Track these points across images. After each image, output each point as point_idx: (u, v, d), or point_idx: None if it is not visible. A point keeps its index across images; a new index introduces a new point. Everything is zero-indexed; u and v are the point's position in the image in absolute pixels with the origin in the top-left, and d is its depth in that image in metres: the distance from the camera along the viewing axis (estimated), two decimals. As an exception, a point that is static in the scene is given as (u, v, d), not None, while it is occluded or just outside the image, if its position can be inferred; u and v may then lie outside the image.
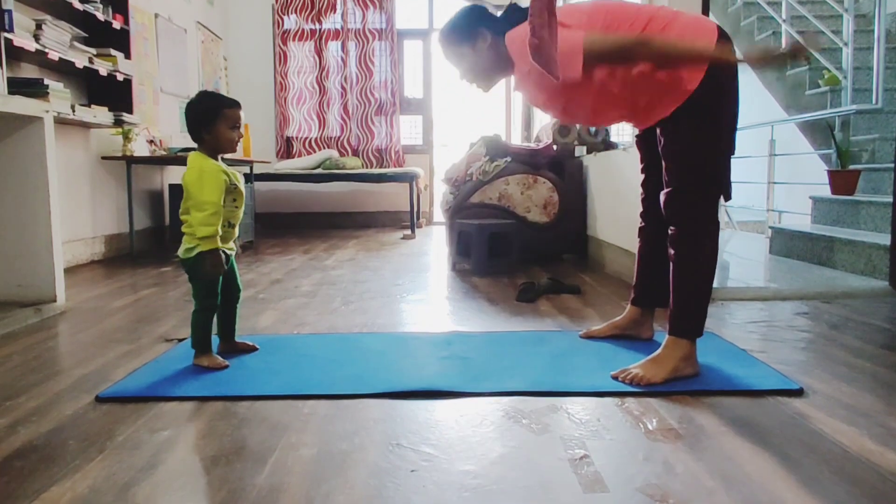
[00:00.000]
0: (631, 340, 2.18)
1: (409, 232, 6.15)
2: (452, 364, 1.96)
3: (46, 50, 3.58)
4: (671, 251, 1.85)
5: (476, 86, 2.04)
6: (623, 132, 6.01)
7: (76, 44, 3.97)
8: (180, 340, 2.26)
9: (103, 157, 4.52)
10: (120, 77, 4.36)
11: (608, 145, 4.53)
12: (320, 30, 7.15)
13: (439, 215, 6.99)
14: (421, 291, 3.24)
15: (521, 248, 3.99)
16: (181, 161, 4.72)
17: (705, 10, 2.89)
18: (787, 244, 3.96)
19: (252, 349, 2.11)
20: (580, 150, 4.52)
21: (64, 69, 4.00)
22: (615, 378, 1.79)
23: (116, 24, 4.38)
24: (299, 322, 2.58)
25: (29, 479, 1.25)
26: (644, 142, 2.06)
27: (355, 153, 7.20)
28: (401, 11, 7.23)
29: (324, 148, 7.15)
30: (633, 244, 2.36)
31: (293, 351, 2.12)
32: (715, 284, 1.88)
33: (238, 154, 2.06)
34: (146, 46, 5.10)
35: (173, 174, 5.61)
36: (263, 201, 6.99)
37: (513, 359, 2.00)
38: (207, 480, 1.25)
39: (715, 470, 1.27)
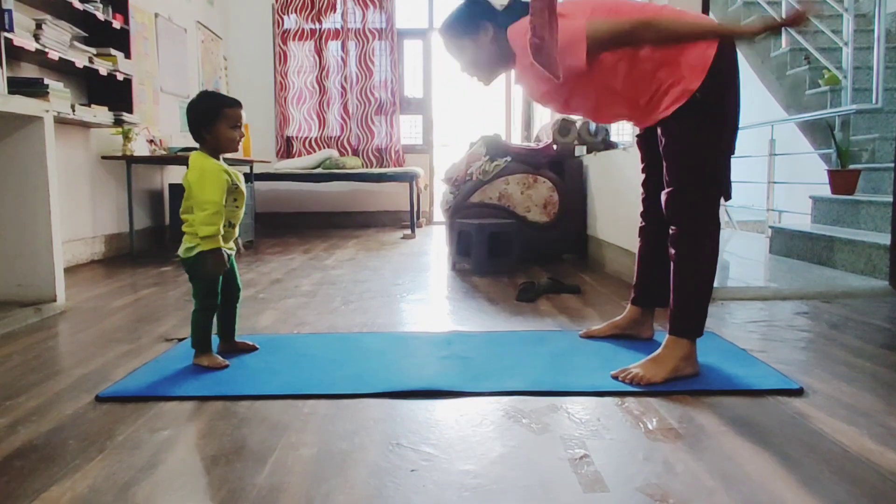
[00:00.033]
0: (631, 340, 2.18)
1: (409, 231, 6.15)
2: (452, 364, 1.96)
3: (46, 49, 3.58)
4: (672, 251, 1.85)
5: (477, 79, 2.04)
6: (623, 132, 6.00)
7: (76, 43, 3.97)
8: (180, 340, 2.26)
9: (103, 157, 4.52)
10: (120, 77, 4.36)
11: (608, 145, 4.53)
12: (320, 29, 7.15)
13: (439, 215, 6.99)
14: (421, 291, 3.24)
15: (521, 247, 3.99)
16: (181, 161, 4.72)
17: (705, 10, 2.89)
18: (788, 244, 3.96)
19: (252, 349, 2.12)
20: (580, 150, 4.52)
21: (64, 69, 4.00)
22: (615, 378, 1.79)
23: (116, 24, 4.38)
24: (299, 322, 2.58)
25: (29, 479, 1.25)
26: (645, 141, 2.06)
27: (355, 153, 7.20)
28: (401, 11, 7.23)
29: (324, 147, 7.15)
30: (633, 244, 2.36)
31: (293, 350, 2.12)
32: (715, 284, 1.88)
33: (238, 154, 2.06)
34: (146, 46, 5.10)
35: (173, 174, 5.61)
36: (263, 201, 6.99)
37: (513, 358, 2.00)
38: (207, 480, 1.25)
39: (715, 469, 1.27)
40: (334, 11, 7.12)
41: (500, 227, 3.85)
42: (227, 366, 1.94)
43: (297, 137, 7.25)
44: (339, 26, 7.15)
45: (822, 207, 4.14)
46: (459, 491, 1.20)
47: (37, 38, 3.57)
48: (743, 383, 1.75)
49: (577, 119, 4.67)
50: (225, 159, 2.02)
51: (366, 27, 7.14)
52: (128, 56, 4.47)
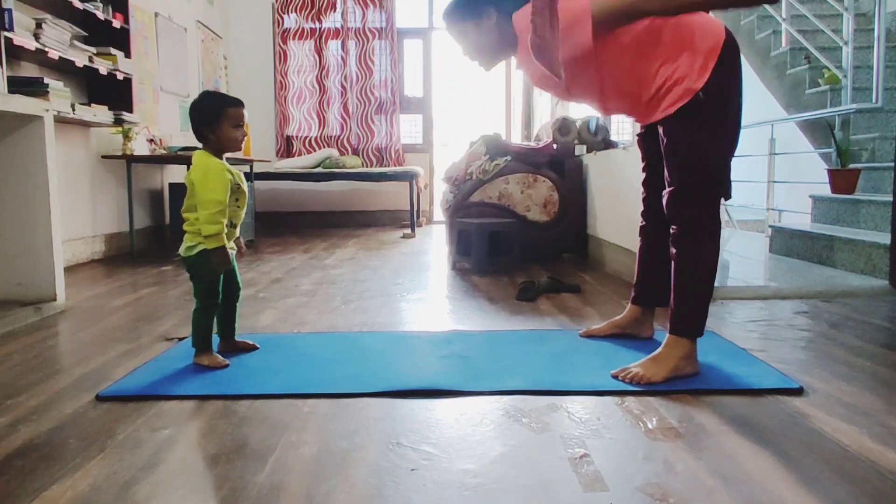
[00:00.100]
0: (631, 339, 2.18)
1: (409, 231, 6.15)
2: (452, 363, 1.96)
3: (46, 49, 3.57)
4: (672, 250, 1.85)
5: (478, 64, 2.03)
6: (623, 131, 5.99)
7: (76, 43, 3.97)
8: (180, 339, 2.26)
9: (103, 156, 4.52)
10: (120, 76, 4.36)
11: (608, 144, 4.53)
12: (320, 29, 7.14)
13: (439, 214, 6.99)
14: (421, 290, 3.24)
15: (521, 247, 3.99)
16: (181, 160, 4.72)
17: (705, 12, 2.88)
18: (787, 243, 3.96)
19: (252, 348, 2.12)
20: (580, 149, 4.51)
21: (64, 68, 4.00)
22: (615, 377, 1.79)
23: (116, 23, 4.38)
24: (299, 321, 2.58)
25: (29, 478, 1.25)
26: (645, 140, 2.05)
27: (355, 152, 7.20)
28: (401, 10, 7.23)
29: (324, 147, 7.15)
30: (633, 243, 2.36)
31: (293, 350, 2.12)
32: (715, 283, 1.88)
33: (238, 153, 2.07)
34: (146, 45, 5.10)
35: (173, 173, 5.61)
36: (263, 200, 6.99)
37: (513, 358, 2.01)
38: (208, 479, 1.25)
39: (715, 469, 1.27)
40: (334, 11, 7.12)
41: (500, 227, 3.85)
42: (227, 365, 1.94)
43: (297, 137, 7.25)
44: (339, 25, 7.14)
45: (822, 207, 4.14)
46: (459, 490, 1.20)
47: (37, 37, 3.56)
48: (743, 382, 1.75)
49: (578, 118, 4.68)
50: (226, 159, 2.02)
51: (366, 26, 7.14)
52: (128, 55, 4.47)
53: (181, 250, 1.96)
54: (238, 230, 2.05)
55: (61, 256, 2.84)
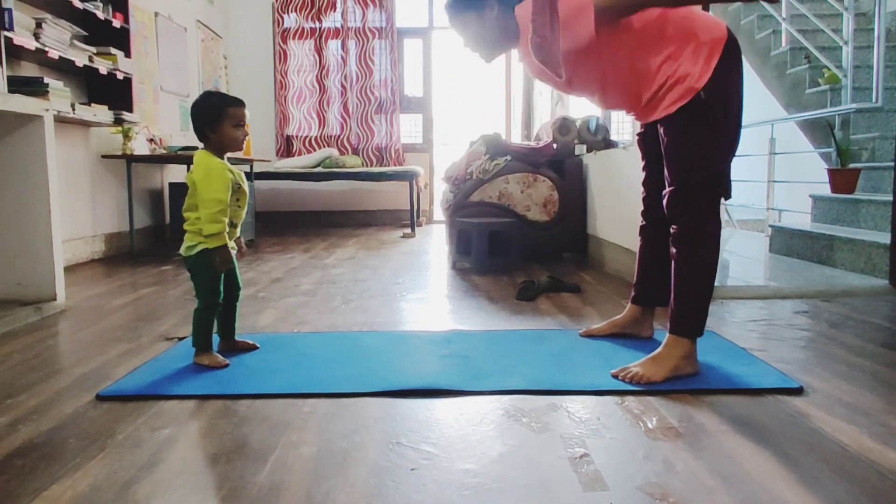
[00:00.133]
0: (631, 339, 2.18)
1: (409, 230, 6.15)
2: (452, 362, 1.96)
3: (46, 48, 3.57)
4: (673, 250, 1.85)
5: (479, 55, 2.03)
6: (623, 131, 5.99)
7: (76, 42, 3.97)
8: (180, 339, 2.26)
9: (103, 156, 4.52)
10: (120, 76, 4.36)
11: (608, 144, 4.53)
12: (320, 28, 7.14)
13: (439, 214, 6.99)
14: (421, 290, 3.24)
15: (520, 246, 3.99)
16: (181, 160, 4.72)
17: (705, 8, 2.89)
18: (787, 243, 3.96)
19: (252, 348, 2.12)
20: (580, 149, 4.51)
21: (64, 68, 4.00)
22: (615, 377, 1.79)
23: (116, 23, 4.38)
24: (299, 320, 2.58)
25: (30, 478, 1.25)
26: (645, 140, 2.05)
27: (355, 152, 7.20)
28: (401, 10, 7.23)
29: (324, 146, 7.15)
30: (633, 243, 2.36)
31: (293, 349, 2.12)
32: (715, 283, 1.88)
33: (238, 153, 2.07)
34: (146, 45, 5.10)
35: (173, 173, 5.61)
36: (263, 200, 6.99)
37: (513, 357, 2.01)
38: (208, 478, 1.26)
39: (715, 468, 1.27)
40: (334, 10, 7.12)
41: (500, 226, 3.85)
42: (227, 365, 1.94)
43: (297, 136, 7.25)
44: (339, 25, 7.14)
45: (822, 206, 4.14)
46: (459, 490, 1.20)
47: (37, 36, 3.56)
48: (743, 382, 1.75)
49: (578, 118, 4.67)
50: (227, 158, 2.02)
51: (366, 26, 7.14)
52: (128, 55, 4.47)
53: (182, 250, 1.96)
54: (239, 230, 2.05)
55: (61, 256, 2.84)
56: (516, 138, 7.52)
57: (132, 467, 1.29)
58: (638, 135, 2.11)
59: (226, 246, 1.91)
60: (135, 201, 4.71)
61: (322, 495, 1.18)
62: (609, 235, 3.83)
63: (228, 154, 2.00)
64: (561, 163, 4.37)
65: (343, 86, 7.20)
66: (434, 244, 5.30)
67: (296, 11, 7.12)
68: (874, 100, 4.19)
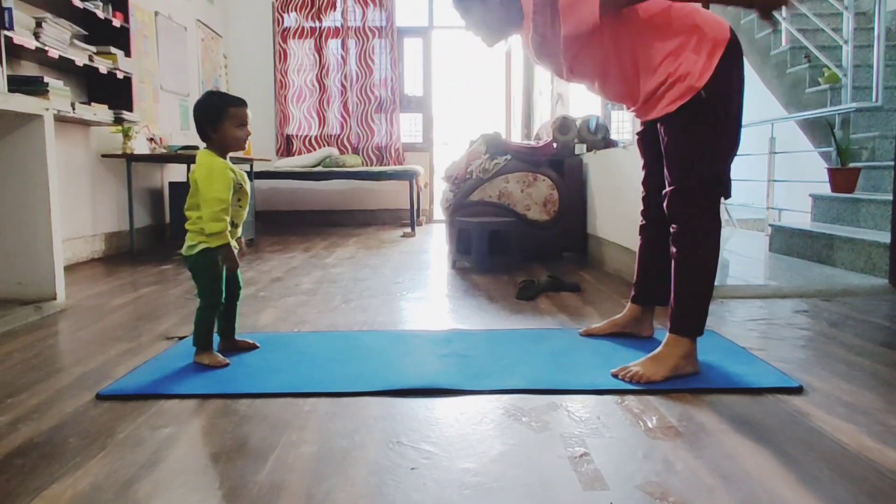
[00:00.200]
0: (631, 338, 2.18)
1: (409, 230, 6.16)
2: (452, 362, 1.96)
3: (46, 48, 3.57)
4: (673, 249, 1.85)
5: (481, 39, 2.03)
6: (623, 130, 5.99)
7: (76, 42, 3.97)
8: (181, 338, 2.26)
9: (103, 155, 4.52)
10: (120, 75, 4.36)
11: (608, 143, 4.53)
12: (320, 27, 7.14)
13: (439, 213, 6.99)
14: (421, 289, 3.24)
15: (520, 245, 3.99)
16: (181, 159, 4.73)
17: (706, 7, 2.89)
18: (787, 242, 3.96)
19: (252, 347, 2.12)
20: (580, 148, 4.52)
21: (64, 67, 4.00)
22: (615, 376, 1.80)
23: (116, 22, 4.38)
24: (300, 320, 2.58)
25: (30, 477, 1.25)
26: (645, 139, 2.05)
27: (355, 151, 7.20)
28: (401, 9, 7.23)
29: (324, 146, 7.15)
30: (633, 242, 2.36)
31: (294, 349, 2.13)
32: (715, 282, 1.88)
33: (238, 152, 2.08)
34: (146, 44, 5.10)
35: (173, 172, 5.61)
36: (264, 199, 6.99)
37: (513, 357, 2.01)
38: (208, 477, 1.26)
39: (714, 468, 1.27)
40: (334, 9, 7.12)
41: (500, 226, 3.85)
42: (227, 364, 1.94)
43: (297, 136, 7.25)
44: (339, 24, 7.14)
45: (821, 205, 4.14)
46: (459, 489, 1.20)
47: (37, 36, 3.56)
48: (742, 381, 1.75)
49: (578, 117, 4.67)
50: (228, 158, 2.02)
51: (366, 25, 7.14)
52: (128, 54, 4.47)
53: (183, 249, 1.97)
54: (240, 229, 2.05)
55: (61, 255, 2.84)
56: (516, 137, 7.52)
57: (133, 466, 1.30)
58: (638, 134, 2.10)
59: (228, 245, 1.91)
60: (135, 201, 4.72)
61: (322, 494, 1.18)
62: (609, 235, 3.83)
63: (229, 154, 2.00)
64: (561, 162, 4.37)
65: (343, 85, 7.20)
66: (434, 243, 5.31)
67: (296, 11, 7.12)
68: (874, 99, 4.18)
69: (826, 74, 4.66)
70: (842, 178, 4.07)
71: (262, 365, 1.95)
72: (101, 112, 4.17)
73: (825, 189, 4.17)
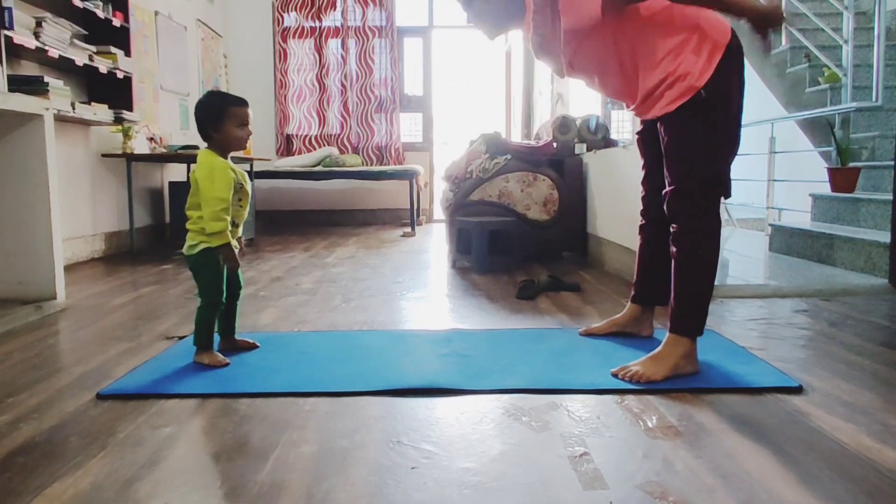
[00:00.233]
0: (630, 338, 2.19)
1: (409, 229, 6.16)
2: (452, 361, 1.96)
3: (46, 47, 3.57)
4: (673, 249, 1.85)
5: (483, 32, 2.03)
6: (623, 129, 5.98)
7: (76, 41, 3.97)
8: (181, 338, 2.26)
9: (103, 155, 4.52)
10: (120, 74, 4.36)
11: (608, 143, 4.53)
12: (320, 27, 7.14)
13: (439, 213, 6.99)
14: (421, 289, 3.24)
15: (520, 245, 3.99)
16: (181, 158, 4.73)
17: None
18: (787, 241, 3.97)
19: (253, 347, 2.12)
20: (580, 148, 4.52)
21: (64, 67, 4.00)
22: (615, 375, 1.80)
23: (116, 22, 4.38)
24: (300, 319, 2.58)
25: (31, 476, 1.26)
26: (645, 139, 2.05)
27: (355, 151, 7.20)
28: (401, 9, 7.23)
29: (324, 145, 7.15)
30: (633, 242, 2.36)
31: (294, 348, 2.13)
32: (715, 282, 1.88)
33: (239, 152, 2.08)
34: (146, 44, 5.10)
35: (173, 171, 5.61)
36: (263, 199, 6.99)
37: (513, 356, 2.01)
38: (209, 477, 1.26)
39: (714, 467, 1.27)
40: (334, 9, 7.12)
41: (500, 225, 3.86)
42: (227, 364, 1.94)
43: (297, 135, 7.25)
44: (339, 24, 7.14)
45: (821, 205, 4.14)
46: (460, 488, 1.20)
47: (37, 35, 3.56)
48: (742, 381, 1.75)
49: (578, 117, 4.68)
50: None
51: (366, 25, 7.14)
52: (128, 54, 4.47)
53: (184, 248, 1.97)
54: (241, 230, 2.06)
55: (61, 255, 2.84)
56: (516, 137, 7.52)
57: (133, 465, 1.30)
58: (637, 133, 2.10)
59: (229, 244, 1.92)
60: (135, 200, 4.72)
61: (322, 494, 1.18)
62: (609, 234, 3.83)
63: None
64: (561, 162, 4.37)
65: (343, 85, 7.20)
66: (434, 243, 5.31)
67: (296, 10, 7.12)
68: (874, 99, 4.18)
69: (826, 74, 4.65)
70: (842, 177, 4.07)
71: (263, 364, 1.95)
72: (101, 112, 4.17)
73: (825, 189, 4.17)
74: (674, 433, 1.44)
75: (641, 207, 2.12)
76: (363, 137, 7.23)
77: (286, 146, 7.24)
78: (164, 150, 4.84)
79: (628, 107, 2.01)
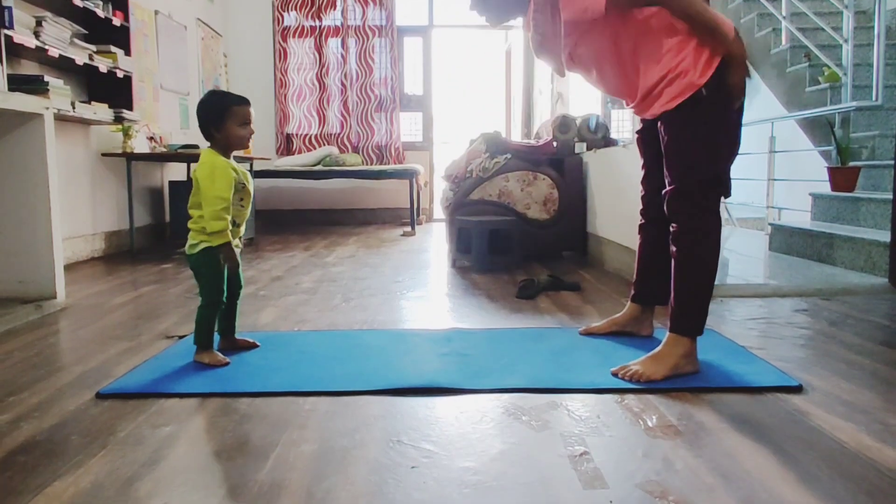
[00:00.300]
0: (630, 337, 2.19)
1: (409, 229, 6.16)
2: (452, 361, 1.96)
3: (46, 47, 3.57)
4: (673, 249, 1.85)
5: (485, 19, 2.03)
6: (623, 129, 5.98)
7: (76, 40, 3.97)
8: (181, 337, 2.26)
9: (103, 154, 4.52)
10: (120, 74, 4.36)
11: (608, 142, 4.53)
12: (320, 26, 7.14)
13: (439, 212, 6.99)
14: (421, 288, 3.24)
15: (520, 244, 3.99)
16: (181, 158, 4.73)
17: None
18: (787, 241, 3.97)
19: (253, 346, 2.12)
20: (580, 147, 4.52)
21: (64, 66, 4.00)
22: (615, 375, 1.80)
23: (116, 21, 4.37)
24: (300, 319, 2.58)
25: (32, 474, 1.26)
26: (644, 138, 2.05)
27: (355, 150, 7.20)
28: (401, 8, 7.23)
29: (324, 145, 7.15)
30: (632, 241, 2.36)
31: (294, 348, 2.13)
32: (715, 281, 1.88)
33: (239, 151, 2.08)
34: (146, 43, 5.10)
35: (173, 171, 5.61)
36: (264, 198, 6.99)
37: (513, 355, 2.01)
38: (209, 476, 1.26)
39: (714, 466, 1.27)
40: (334, 8, 7.12)
41: (500, 225, 3.86)
42: (227, 363, 1.94)
43: (297, 134, 7.25)
44: (339, 23, 7.14)
45: (821, 204, 4.14)
46: (460, 487, 1.20)
47: (37, 35, 3.56)
48: (742, 380, 1.75)
49: (578, 116, 4.67)
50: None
51: (366, 24, 7.14)
52: (128, 53, 4.47)
53: (185, 248, 1.97)
54: (242, 229, 2.06)
55: (61, 254, 2.84)
56: (516, 136, 7.52)
57: (134, 464, 1.30)
58: (637, 132, 2.10)
59: (229, 244, 1.92)
60: (135, 199, 4.72)
61: (323, 493, 1.18)
62: (609, 234, 3.83)
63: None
64: (561, 161, 4.37)
65: (343, 84, 7.20)
66: (434, 242, 5.31)
67: (296, 9, 7.11)
68: (874, 98, 4.18)
69: (826, 73, 4.65)
70: (842, 176, 4.07)
71: (263, 364, 1.95)
72: (101, 111, 4.17)
73: (825, 188, 4.17)
74: (674, 432, 1.44)
75: (641, 207, 2.12)
76: (363, 137, 7.23)
77: (286, 145, 7.24)
78: (164, 150, 4.84)
79: (628, 105, 2.00)
